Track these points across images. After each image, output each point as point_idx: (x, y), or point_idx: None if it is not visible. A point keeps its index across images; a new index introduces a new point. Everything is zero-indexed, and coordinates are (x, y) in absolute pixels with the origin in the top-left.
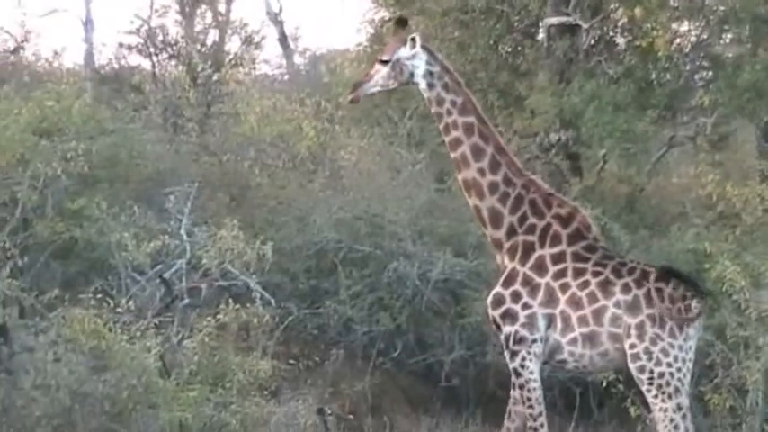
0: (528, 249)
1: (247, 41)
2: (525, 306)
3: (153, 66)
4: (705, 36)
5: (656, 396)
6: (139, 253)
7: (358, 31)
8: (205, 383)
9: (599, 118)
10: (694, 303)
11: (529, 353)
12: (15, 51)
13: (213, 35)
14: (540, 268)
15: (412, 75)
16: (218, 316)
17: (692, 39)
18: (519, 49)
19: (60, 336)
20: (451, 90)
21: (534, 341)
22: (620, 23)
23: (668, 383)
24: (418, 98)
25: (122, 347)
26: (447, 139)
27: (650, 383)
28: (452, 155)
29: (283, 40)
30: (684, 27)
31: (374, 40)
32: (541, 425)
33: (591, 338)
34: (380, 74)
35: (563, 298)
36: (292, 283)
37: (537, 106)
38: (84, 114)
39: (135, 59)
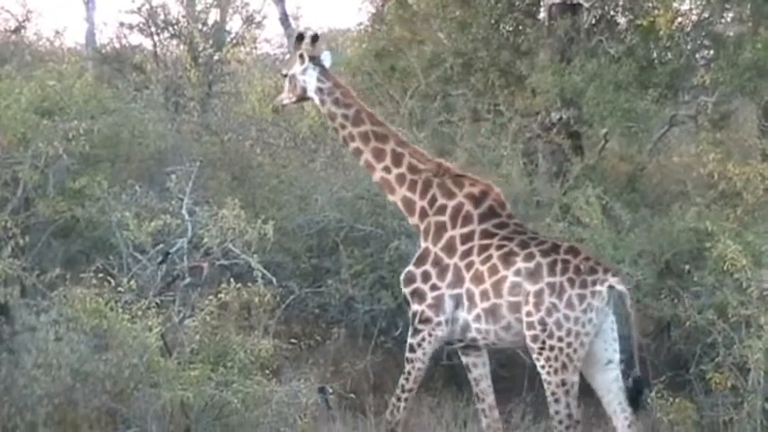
0: (440, 229)
1: (248, 21)
2: (433, 287)
3: (154, 45)
4: (706, 15)
5: (542, 367)
6: (141, 232)
7: (359, 10)
8: (206, 362)
9: (600, 97)
10: (601, 276)
11: (430, 334)
12: (17, 31)
13: (214, 14)
14: (449, 249)
15: (305, 90)
16: (220, 295)
17: (694, 17)
18: (520, 28)
19: (62, 315)
20: (342, 104)
21: (438, 324)
22: (621, 2)
23: (556, 358)
24: (420, 77)
25: (124, 327)
26: (349, 149)
27: (540, 354)
28: (359, 163)
29: (284, 19)
30: (686, 6)
31: (375, 19)
32: (406, 399)
33: (493, 313)
34: (285, 87)
35: (468, 276)
36: (294, 262)
37: (538, 85)
38: (86, 94)
39: (136, 39)
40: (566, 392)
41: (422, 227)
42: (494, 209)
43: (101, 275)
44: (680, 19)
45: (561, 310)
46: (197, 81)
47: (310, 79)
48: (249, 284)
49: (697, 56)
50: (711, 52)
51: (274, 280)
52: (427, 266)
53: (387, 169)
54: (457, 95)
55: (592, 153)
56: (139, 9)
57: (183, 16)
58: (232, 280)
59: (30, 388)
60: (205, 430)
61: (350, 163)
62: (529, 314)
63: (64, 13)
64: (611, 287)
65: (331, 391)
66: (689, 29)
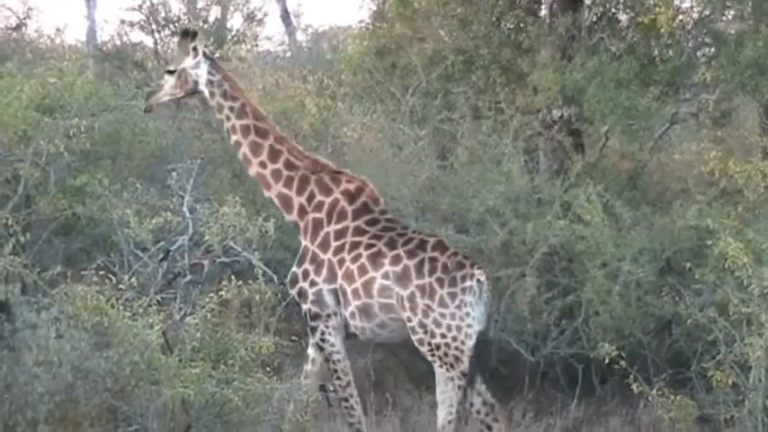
0: (317, 227)
1: (249, 18)
2: (312, 284)
3: (155, 42)
4: (707, 12)
5: (440, 366)
6: (142, 230)
7: (360, 7)
8: (207, 360)
9: (601, 94)
10: (469, 270)
11: (327, 327)
12: (17, 28)
13: (215, 12)
14: (324, 245)
15: (196, 83)
16: (221, 293)
17: (695, 15)
18: (521, 25)
19: (63, 312)
20: (230, 97)
21: (329, 316)
22: (622, 0)
23: (446, 354)
24: (421, 75)
25: (125, 324)
26: (231, 142)
27: (432, 355)
28: (239, 156)
29: (286, 16)
30: (687, 3)
31: (376, 16)
32: (351, 395)
33: (366, 311)
34: (169, 84)
35: (340, 273)
36: (295, 259)
37: (539, 83)
38: (87, 91)
39: (137, 36)
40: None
41: (301, 225)
42: (368, 205)
43: (102, 273)
44: (681, 16)
45: (436, 310)
46: None
47: (202, 72)
48: (250, 282)
49: (698, 53)
50: (712, 50)
51: (275, 277)
52: (306, 265)
53: (263, 164)
54: (458, 93)
55: (593, 151)
56: (140, 6)
57: (184, 14)
58: (233, 277)
59: (30, 385)
60: (206, 428)
61: (351, 161)
62: (409, 319)
63: (65, 10)
64: (479, 281)
65: (332, 388)
66: (690, 26)
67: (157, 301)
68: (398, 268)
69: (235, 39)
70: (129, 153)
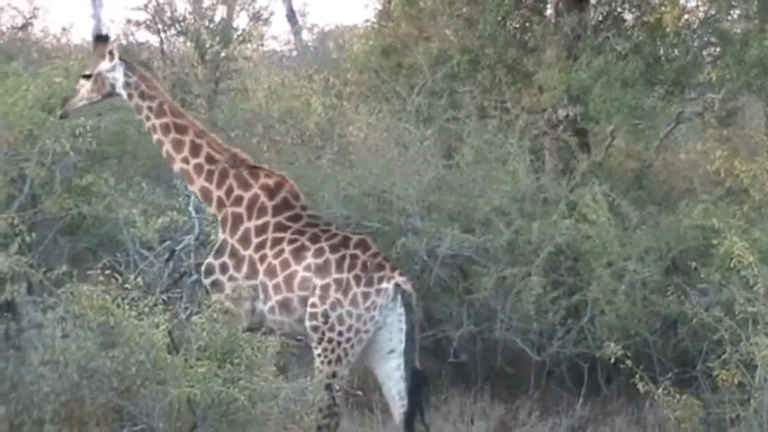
0: (237, 221)
1: (255, 17)
2: (231, 278)
3: (161, 42)
4: (713, 12)
5: (318, 355)
6: (148, 229)
7: (366, 6)
8: (213, 359)
9: (607, 94)
10: (388, 273)
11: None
12: (23, 27)
13: (221, 11)
14: (245, 241)
15: (113, 86)
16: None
17: (700, 14)
18: (527, 24)
19: (68, 312)
20: (147, 97)
21: (239, 314)
22: None
23: (333, 350)
24: (426, 74)
25: (131, 323)
26: (153, 141)
27: (318, 344)
28: (162, 154)
29: (291, 16)
30: (692, 2)
31: (382, 16)
32: None
33: (285, 306)
34: (85, 88)
35: (262, 269)
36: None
37: (545, 82)
38: None
39: (143, 36)
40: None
41: (219, 217)
42: (288, 201)
43: (107, 272)
44: (687, 16)
45: (345, 306)
46: (204, 78)
47: (119, 75)
48: None
49: (704, 53)
50: (718, 49)
51: None
52: (225, 258)
53: (185, 160)
54: (464, 92)
55: (598, 150)
56: (146, 6)
57: (190, 13)
58: None
59: (36, 385)
60: (212, 427)
61: (356, 160)
62: (314, 305)
63: (71, 9)
64: (396, 285)
65: (338, 388)
66: (696, 26)
67: (163, 300)
68: (320, 261)
69: (240, 38)
70: (135, 152)
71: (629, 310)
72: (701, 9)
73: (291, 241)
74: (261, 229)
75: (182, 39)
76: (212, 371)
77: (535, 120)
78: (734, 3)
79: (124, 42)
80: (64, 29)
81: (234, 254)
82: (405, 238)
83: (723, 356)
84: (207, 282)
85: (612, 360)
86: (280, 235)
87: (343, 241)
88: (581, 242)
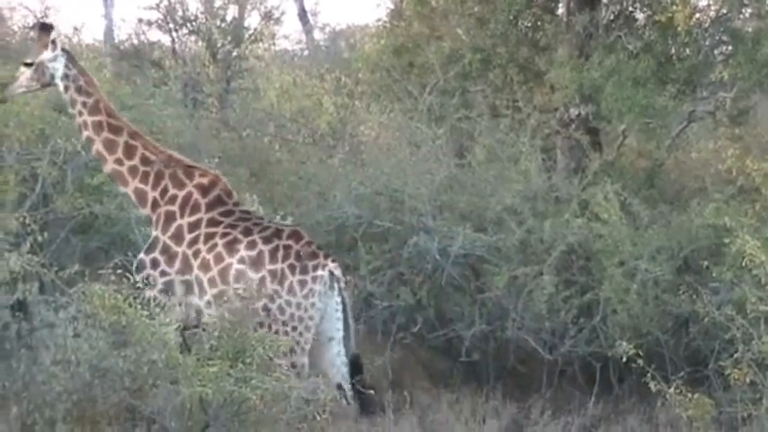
0: (169, 219)
1: (267, 17)
2: (163, 273)
3: (173, 41)
4: (725, 10)
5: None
6: None
7: (378, 6)
8: (225, 359)
9: (619, 93)
10: (321, 261)
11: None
12: (35, 27)
13: (233, 10)
14: (177, 237)
15: (53, 77)
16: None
17: (712, 13)
18: (539, 23)
19: (80, 311)
20: (83, 92)
21: (172, 306)
22: None
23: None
24: (438, 73)
25: (142, 323)
26: (83, 138)
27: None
28: (92, 152)
29: (303, 15)
30: (704, 1)
31: (394, 15)
32: None
33: (221, 299)
34: (24, 75)
35: (196, 264)
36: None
37: (557, 81)
38: (104, 90)
39: (155, 35)
40: (297, 374)
41: (153, 217)
42: (221, 198)
43: (119, 271)
44: (698, 15)
45: (283, 297)
46: (215, 77)
47: (59, 66)
48: None
49: (715, 52)
50: (730, 48)
51: None
52: (156, 254)
53: (119, 161)
54: (475, 91)
55: (610, 149)
56: (158, 5)
57: (202, 12)
58: None
59: (48, 384)
60: (224, 426)
61: (368, 159)
62: (254, 301)
63: (82, 9)
64: (331, 272)
65: (349, 387)
66: (707, 25)
67: None
68: (253, 253)
69: (252, 37)
70: None
71: (641, 309)
72: (713, 8)
73: (224, 235)
74: (194, 226)
75: (193, 38)
76: (224, 370)
77: (547, 119)
78: (745, 1)
79: (135, 42)
80: (75, 28)
81: (166, 250)
82: (417, 238)
83: (735, 355)
84: (138, 277)
85: (624, 359)
86: (212, 230)
87: (275, 233)
88: (593, 241)
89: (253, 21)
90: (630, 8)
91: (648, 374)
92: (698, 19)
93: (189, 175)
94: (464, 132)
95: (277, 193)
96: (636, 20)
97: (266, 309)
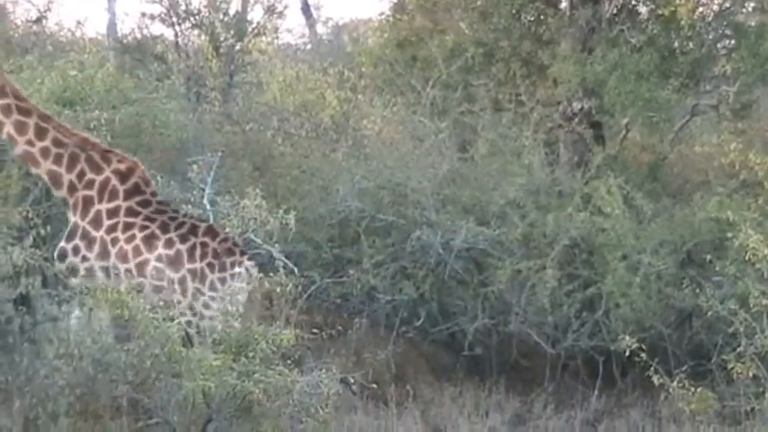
0: (87, 204)
1: (270, 11)
2: (84, 259)
3: (175, 35)
4: (728, 4)
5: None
6: None
7: (380, 0)
8: (228, 352)
9: (622, 86)
10: (238, 258)
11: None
12: (38, 21)
13: (236, 4)
14: (96, 222)
15: None
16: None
17: (715, 7)
18: (542, 17)
19: (83, 305)
20: None
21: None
22: None
23: (212, 335)
24: (441, 67)
25: (145, 317)
26: None
27: (198, 335)
28: (2, 135)
29: (306, 9)
30: None
31: (397, 9)
32: None
33: (137, 291)
34: None
35: (113, 251)
36: (315, 252)
37: (560, 75)
38: (107, 84)
39: (157, 29)
40: None
41: (71, 201)
42: (139, 186)
43: None
44: (701, 8)
45: (206, 294)
46: (218, 71)
47: None
48: (271, 274)
49: (718, 45)
50: (733, 42)
51: (296, 270)
52: (77, 240)
53: (30, 143)
54: (478, 85)
55: (613, 143)
56: None
57: (205, 6)
58: None
59: (51, 378)
60: (227, 420)
61: (371, 153)
62: (179, 302)
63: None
64: (246, 269)
65: (353, 381)
66: (710, 18)
67: None
68: (171, 252)
69: (255, 31)
70: (150, 146)
71: (644, 303)
72: (716, 2)
73: (143, 228)
74: (112, 212)
75: (196, 32)
76: (227, 364)
77: (550, 113)
78: None
79: (138, 36)
80: (78, 22)
81: (85, 235)
82: (420, 231)
83: (738, 349)
84: (62, 266)
85: (627, 353)
86: (131, 220)
87: (191, 229)
88: (596, 235)
89: (256, 14)
90: (633, 2)
91: (651, 368)
92: (701, 13)
93: (106, 160)
94: (467, 126)
95: (280, 187)
96: (639, 14)
97: (191, 307)
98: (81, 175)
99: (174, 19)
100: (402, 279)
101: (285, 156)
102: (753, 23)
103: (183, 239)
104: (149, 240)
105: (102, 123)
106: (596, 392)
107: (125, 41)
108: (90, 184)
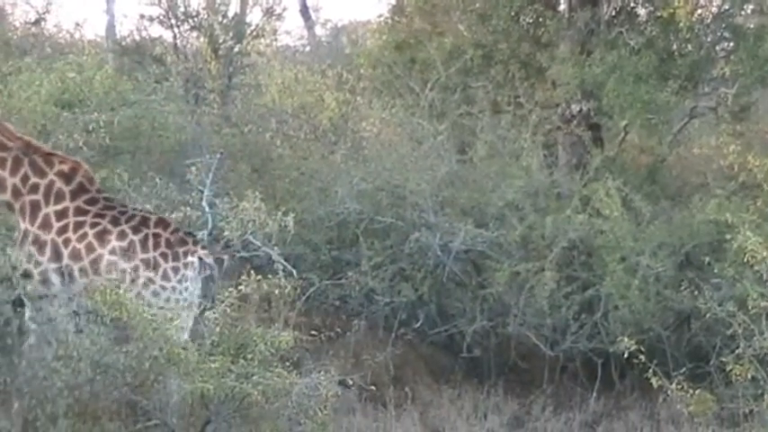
0: (35, 208)
1: (269, 13)
2: (37, 264)
3: (174, 37)
4: (726, 6)
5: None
6: None
7: (379, 2)
8: (227, 354)
9: (620, 89)
10: (191, 247)
11: (52, 306)
12: (37, 23)
13: (234, 6)
14: (45, 226)
15: None
16: (240, 287)
17: (714, 9)
18: (540, 19)
19: (82, 307)
20: None
21: (55, 295)
22: None
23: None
24: (440, 69)
25: (144, 319)
26: None
27: None
28: None
29: (305, 11)
30: None
31: (395, 11)
32: None
33: (91, 289)
34: None
35: (66, 252)
36: (314, 254)
37: (558, 77)
38: (106, 86)
39: (156, 31)
40: None
41: (17, 206)
42: (84, 185)
43: None
44: (700, 11)
45: (157, 283)
46: (217, 73)
47: None
48: (269, 276)
49: (717, 48)
50: (731, 44)
51: (295, 272)
52: (28, 246)
53: None
54: (477, 87)
55: (612, 145)
56: (159, 1)
57: (204, 8)
58: (252, 272)
59: (50, 380)
60: (225, 422)
61: (370, 155)
62: (128, 291)
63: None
64: (200, 258)
65: (351, 383)
66: (709, 20)
67: None
68: (124, 243)
69: (254, 33)
70: (149, 148)
71: (643, 305)
72: (715, 4)
73: (93, 225)
74: (61, 214)
75: (195, 34)
76: (226, 366)
77: (548, 115)
78: None
79: (137, 38)
80: (77, 24)
81: (36, 240)
82: (418, 233)
83: (736, 351)
84: (17, 274)
85: (626, 355)
86: (81, 219)
87: (142, 221)
88: (594, 237)
89: (254, 16)
90: (632, 4)
91: (650, 370)
92: (700, 15)
93: (49, 163)
94: (466, 128)
95: (279, 189)
96: (638, 16)
97: (140, 296)
98: (25, 179)
99: (173, 21)
100: (401, 281)
101: (284, 158)
102: (752, 25)
103: (136, 231)
104: (101, 235)
105: (100, 125)
106: (595, 394)
107: (124, 43)
108: (35, 188)
